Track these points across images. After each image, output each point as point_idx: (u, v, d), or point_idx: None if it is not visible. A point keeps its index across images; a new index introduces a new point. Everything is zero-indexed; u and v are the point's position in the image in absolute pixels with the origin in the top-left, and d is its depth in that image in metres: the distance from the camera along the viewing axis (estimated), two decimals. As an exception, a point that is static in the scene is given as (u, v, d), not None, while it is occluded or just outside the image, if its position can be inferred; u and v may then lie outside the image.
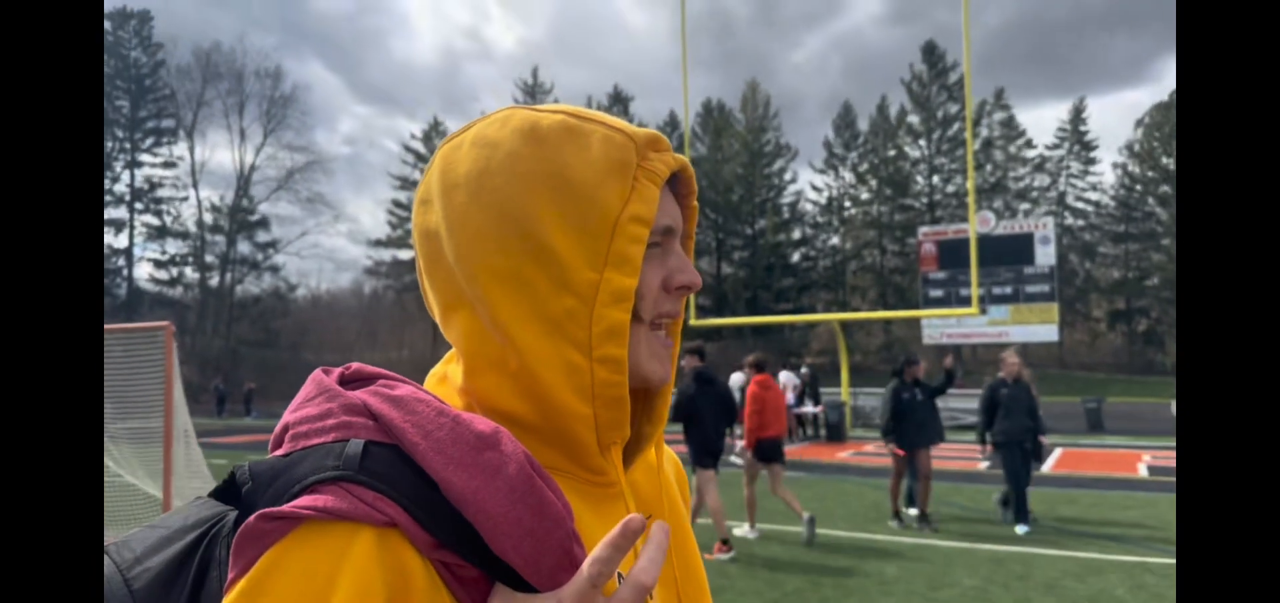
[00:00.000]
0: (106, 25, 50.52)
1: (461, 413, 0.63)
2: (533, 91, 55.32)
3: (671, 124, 56.20)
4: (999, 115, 53.37)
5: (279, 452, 0.63)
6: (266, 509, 0.56)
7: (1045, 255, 28.50)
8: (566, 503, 0.63)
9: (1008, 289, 28.97)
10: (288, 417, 0.65)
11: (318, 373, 0.69)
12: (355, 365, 0.71)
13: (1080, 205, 55.51)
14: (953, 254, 29.14)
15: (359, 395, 0.64)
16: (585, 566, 0.59)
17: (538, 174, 0.69)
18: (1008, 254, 28.85)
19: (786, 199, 56.34)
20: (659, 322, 0.75)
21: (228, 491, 0.66)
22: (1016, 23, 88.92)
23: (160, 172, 52.09)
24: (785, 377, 19.72)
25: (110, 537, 0.66)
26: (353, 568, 0.55)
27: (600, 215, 0.69)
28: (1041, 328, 28.64)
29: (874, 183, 54.47)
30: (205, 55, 52.55)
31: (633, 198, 0.70)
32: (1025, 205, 52.60)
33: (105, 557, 0.63)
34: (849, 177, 55.81)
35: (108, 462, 7.73)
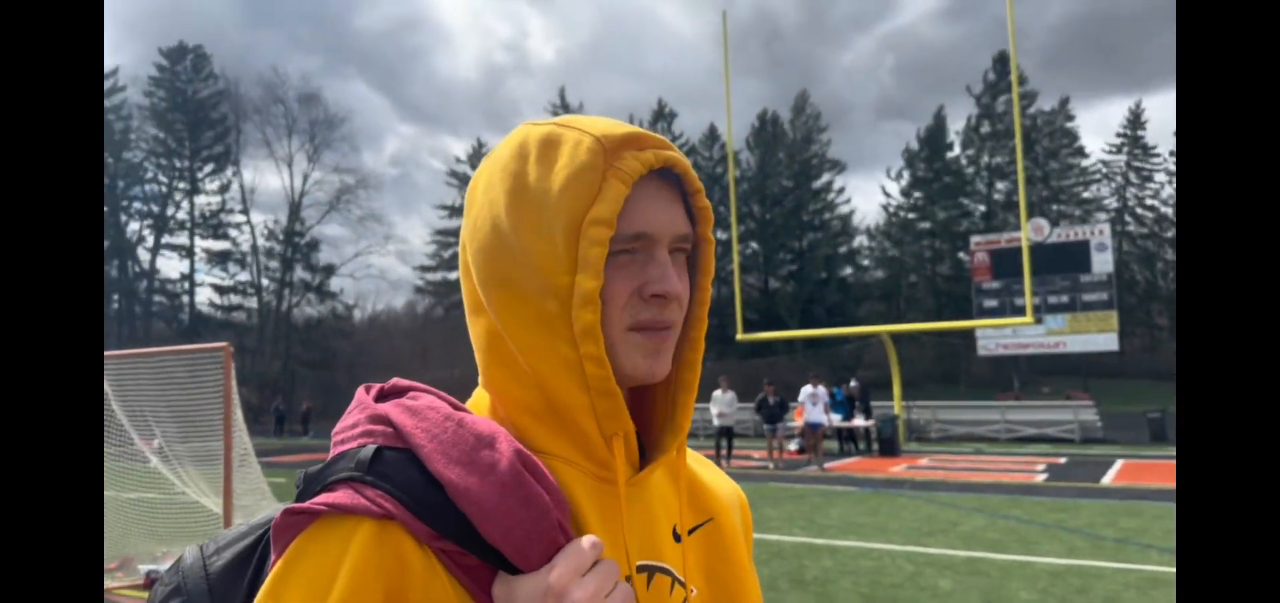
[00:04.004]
0: (164, 62, 52.61)
1: (466, 416, 0.72)
2: (569, 110, 55.69)
3: (712, 137, 56.03)
4: (1062, 120, 52.12)
5: (327, 457, 0.74)
6: (291, 505, 0.67)
7: (1102, 262, 27.72)
8: (558, 497, 0.70)
9: (1064, 298, 28.21)
10: (336, 427, 0.77)
11: (360, 389, 0.79)
12: (395, 381, 0.80)
13: (1142, 210, 54.00)
14: (1007, 263, 28.57)
15: (384, 407, 0.74)
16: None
17: (517, 186, 0.74)
18: (1063, 262, 28.11)
19: (839, 211, 55.67)
20: (640, 326, 0.75)
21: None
22: (1078, 19, 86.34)
23: (217, 198, 53.81)
24: (808, 390, 17.46)
25: (175, 553, 0.77)
26: (354, 555, 0.65)
27: (565, 222, 0.71)
28: (1100, 337, 27.83)
29: (927, 192, 53.60)
30: (254, 82, 54.32)
31: (598, 200, 0.71)
32: (1079, 211, 51.25)
33: (195, 545, 0.77)
34: (901, 185, 55.08)
35: (172, 479, 8.01)
